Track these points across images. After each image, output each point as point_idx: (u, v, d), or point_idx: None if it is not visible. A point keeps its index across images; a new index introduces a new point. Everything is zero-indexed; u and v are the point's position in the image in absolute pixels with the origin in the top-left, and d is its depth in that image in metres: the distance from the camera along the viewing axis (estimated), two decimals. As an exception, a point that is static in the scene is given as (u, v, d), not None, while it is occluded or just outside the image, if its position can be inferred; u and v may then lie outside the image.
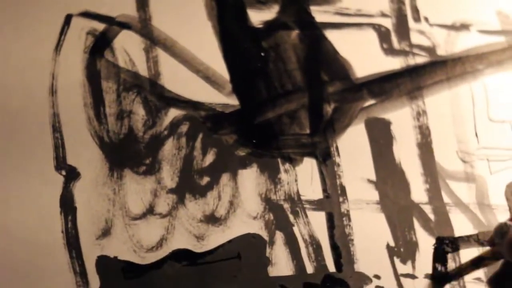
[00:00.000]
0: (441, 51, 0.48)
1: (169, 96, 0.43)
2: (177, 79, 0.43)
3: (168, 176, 0.42)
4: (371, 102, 0.47)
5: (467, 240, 0.47)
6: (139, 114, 0.42)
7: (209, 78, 0.43)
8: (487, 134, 0.49)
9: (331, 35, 0.46)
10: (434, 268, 0.46)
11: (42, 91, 0.42)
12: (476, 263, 0.42)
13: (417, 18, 0.48)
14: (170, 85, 0.43)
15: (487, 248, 0.43)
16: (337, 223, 0.44)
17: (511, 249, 0.37)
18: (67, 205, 0.40)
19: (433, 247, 0.46)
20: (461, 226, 0.47)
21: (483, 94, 0.49)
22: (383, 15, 0.47)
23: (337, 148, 0.45)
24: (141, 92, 0.42)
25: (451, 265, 0.46)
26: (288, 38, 0.45)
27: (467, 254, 0.47)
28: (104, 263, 0.39)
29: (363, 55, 0.46)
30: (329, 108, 0.46)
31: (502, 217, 0.48)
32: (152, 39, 0.42)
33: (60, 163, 0.41)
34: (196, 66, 0.43)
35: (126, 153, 0.41)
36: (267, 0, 0.44)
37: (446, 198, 0.48)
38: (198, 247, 0.42)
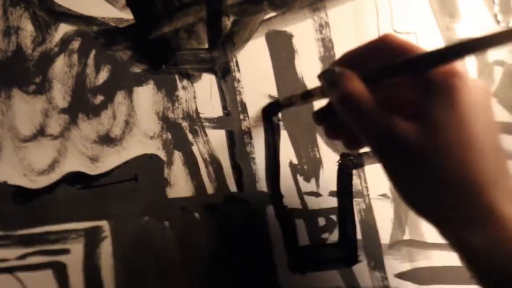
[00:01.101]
0: (345, -40, 0.64)
1: (59, 10, 0.55)
2: (65, -9, 0.55)
3: (60, 95, 0.55)
4: (272, 14, 0.62)
5: (368, 155, 0.64)
6: (27, 30, 0.55)
7: (98, -10, 0.57)
8: None
9: None
10: (339, 184, 0.63)
11: None
12: (305, 97, 0.53)
13: None
14: (59, -1, 0.56)
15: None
16: (237, 141, 0.60)
17: (339, 105, 0.43)
18: (-51, 128, 0.52)
19: (337, 163, 0.63)
20: (366, 142, 0.65)
21: (387, 5, 0.66)
22: None
23: (237, 63, 0.61)
24: (29, 7, 0.54)
25: (356, 181, 0.64)
26: None
27: (372, 170, 0.65)
28: (-8, 189, 0.52)
29: (262, -36, 0.61)
30: (228, 21, 0.61)
31: None
32: None
33: None
34: (84, -23, 0.56)
35: (14, 72, 0.53)
36: None
37: None
38: (93, 169, 0.56)
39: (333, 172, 0.61)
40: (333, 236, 0.60)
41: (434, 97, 0.42)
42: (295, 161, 0.60)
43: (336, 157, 0.62)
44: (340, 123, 0.49)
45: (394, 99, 0.46)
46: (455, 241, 0.44)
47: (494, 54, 0.68)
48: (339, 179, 0.61)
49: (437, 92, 0.42)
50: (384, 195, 0.62)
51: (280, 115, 0.60)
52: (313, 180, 0.60)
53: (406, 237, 0.63)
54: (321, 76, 0.49)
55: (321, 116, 0.53)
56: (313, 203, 0.60)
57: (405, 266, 0.62)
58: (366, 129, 0.43)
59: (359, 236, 0.61)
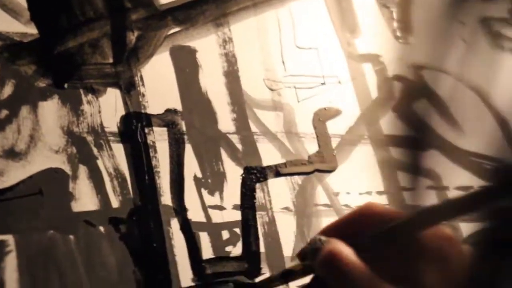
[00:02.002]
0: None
1: (-36, 26, 0.72)
2: (-32, 6, 0.72)
3: (-37, 109, 0.72)
4: (176, 29, 0.82)
5: (271, 169, 0.85)
6: None
7: (5, 5, 0.74)
8: (294, 61, 0.87)
9: (132, -39, 0.79)
10: (242, 198, 0.84)
11: None
12: (285, 276, 0.63)
13: None
14: (-39, 13, 0.72)
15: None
16: (144, 154, 0.79)
17: (324, 268, 0.51)
18: None
19: (240, 177, 0.84)
20: (269, 155, 0.85)
21: (289, 20, 0.88)
22: None
23: (141, 77, 0.80)
24: None
25: (260, 195, 0.84)
26: (86, -37, 0.77)
27: (276, 184, 0.86)
28: None
29: (165, -19, 0.81)
30: (132, 36, 0.80)
31: (309, 146, 0.87)
32: None
33: None
34: (-11, -8, 0.73)
35: None
36: None
37: (253, 128, 0.85)
38: (-2, 184, 0.73)
39: (236, 185, 0.81)
40: (237, 249, 0.80)
41: (426, 264, 0.49)
42: (199, 174, 0.80)
43: (240, 171, 0.82)
44: None
45: (379, 260, 0.51)
46: None
47: (393, 69, 0.91)
48: (243, 192, 0.82)
49: (430, 259, 0.49)
50: (286, 208, 0.83)
51: (184, 127, 0.80)
52: (217, 194, 0.80)
53: None
54: (300, 254, 0.58)
55: None
56: (217, 216, 0.80)
57: (308, 278, 0.83)
58: None
59: (262, 248, 0.81)
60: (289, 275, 0.61)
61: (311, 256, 0.53)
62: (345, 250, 0.51)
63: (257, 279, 0.76)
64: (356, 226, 0.54)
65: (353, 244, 0.51)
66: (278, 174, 0.79)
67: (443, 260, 0.49)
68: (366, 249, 0.51)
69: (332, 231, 0.55)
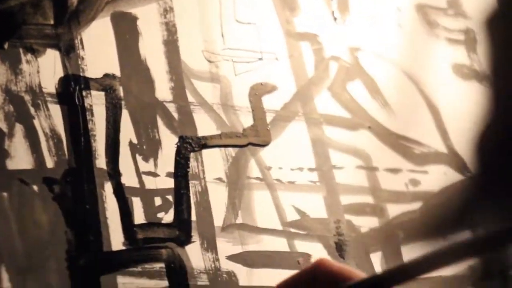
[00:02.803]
0: None
1: None
2: None
3: None
4: None
5: (209, 139, 0.92)
6: None
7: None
8: (233, 35, 0.94)
9: None
10: (176, 166, 0.90)
11: None
12: None
13: None
14: None
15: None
16: (80, 116, 0.85)
17: None
18: None
19: (175, 145, 0.90)
20: (204, 126, 0.92)
21: None
22: None
23: (81, 41, 0.86)
24: None
25: (194, 164, 0.91)
26: None
27: (210, 154, 0.92)
28: None
29: None
30: None
31: (245, 119, 0.94)
32: None
33: None
34: None
35: None
36: None
37: (190, 98, 0.92)
38: None
39: (171, 153, 0.88)
40: (169, 216, 0.87)
41: None
42: (134, 140, 0.86)
43: (175, 139, 0.89)
44: None
45: None
46: None
47: (330, 49, 0.99)
48: (177, 161, 0.88)
49: None
50: (219, 179, 0.90)
51: (121, 93, 0.86)
52: (151, 160, 0.86)
53: (239, 221, 0.90)
54: None
55: None
56: (150, 182, 0.86)
57: (237, 249, 0.90)
58: None
59: (193, 217, 0.88)
60: None
61: None
62: None
63: (187, 247, 0.82)
64: (309, 283, 0.55)
65: None
66: (212, 145, 0.85)
67: None
68: None
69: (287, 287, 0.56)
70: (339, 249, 0.86)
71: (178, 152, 0.83)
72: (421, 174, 0.96)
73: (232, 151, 0.84)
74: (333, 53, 0.93)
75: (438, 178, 0.95)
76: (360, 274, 0.51)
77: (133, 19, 0.82)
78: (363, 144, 0.94)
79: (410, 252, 0.91)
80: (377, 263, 0.89)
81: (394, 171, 0.94)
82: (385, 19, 0.97)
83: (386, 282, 0.49)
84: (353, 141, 0.93)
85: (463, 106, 1.00)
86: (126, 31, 0.81)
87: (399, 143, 0.95)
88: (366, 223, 0.91)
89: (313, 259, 0.83)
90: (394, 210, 0.92)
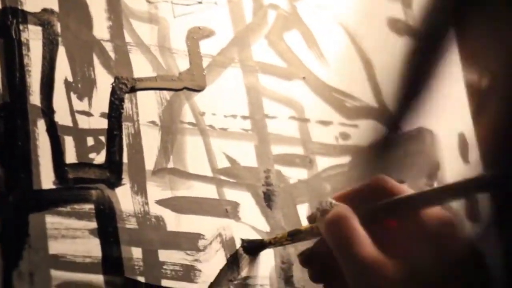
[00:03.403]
0: None
1: None
2: None
3: None
4: None
5: (145, 81, 0.95)
6: None
7: None
8: None
9: None
10: (111, 107, 0.93)
11: None
12: (292, 236, 0.77)
13: None
14: None
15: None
16: (16, 51, 0.86)
17: (329, 230, 0.60)
18: None
19: (111, 86, 0.93)
20: (141, 67, 0.95)
21: None
22: None
23: None
24: None
25: (128, 105, 0.94)
26: None
27: (144, 96, 0.95)
28: None
29: None
30: None
31: (181, 63, 0.98)
32: None
33: None
34: None
35: None
36: None
37: (128, 38, 0.95)
38: None
39: (106, 93, 0.91)
40: (100, 157, 0.90)
41: (425, 245, 0.57)
42: (70, 78, 0.88)
43: (111, 79, 0.91)
44: (327, 265, 0.65)
45: (380, 234, 0.60)
46: None
47: None
48: (111, 101, 0.91)
49: (429, 240, 0.57)
50: (153, 122, 0.93)
51: (59, 29, 0.88)
52: (86, 100, 0.89)
53: (170, 165, 0.94)
54: (310, 217, 0.71)
55: (307, 259, 0.70)
56: (84, 122, 0.89)
57: (166, 194, 0.94)
58: (351, 257, 0.58)
59: (125, 159, 0.91)
60: (296, 234, 0.74)
61: (319, 217, 0.63)
62: (351, 217, 0.61)
63: (117, 189, 0.86)
64: (366, 197, 0.63)
65: (359, 214, 0.61)
66: (147, 87, 0.89)
67: (439, 242, 0.57)
68: (370, 220, 0.61)
69: (343, 198, 0.64)
70: (267, 199, 0.91)
71: (113, 93, 0.85)
72: (352, 128, 1.01)
73: (167, 94, 0.87)
74: (271, 1, 0.96)
75: (368, 132, 1.01)
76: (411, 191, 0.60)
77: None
78: (296, 94, 0.98)
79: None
80: (304, 215, 0.94)
81: (325, 123, 0.99)
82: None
83: (436, 199, 0.59)
84: (287, 91, 0.97)
85: (396, 61, 1.05)
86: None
87: (332, 96, 1.00)
88: (295, 175, 0.95)
89: (241, 208, 0.87)
90: (323, 162, 0.97)
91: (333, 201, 0.64)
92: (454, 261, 0.58)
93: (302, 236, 0.73)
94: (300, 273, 0.91)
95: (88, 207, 0.81)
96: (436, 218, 0.59)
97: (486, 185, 0.55)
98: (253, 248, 0.89)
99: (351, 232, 0.60)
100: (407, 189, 0.62)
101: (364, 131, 0.99)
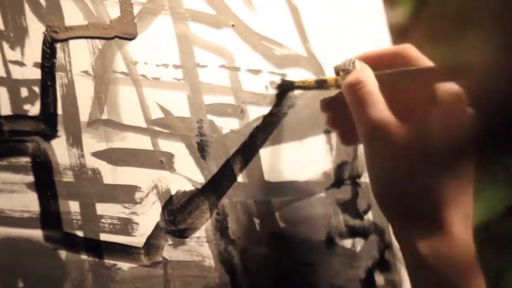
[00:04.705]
0: None
1: None
2: None
3: None
4: None
5: (77, 29, 0.98)
6: None
7: None
8: None
9: None
10: (43, 56, 0.95)
11: None
12: (318, 83, 0.91)
13: None
14: None
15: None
16: None
17: (349, 89, 0.75)
18: None
19: (43, 34, 0.95)
20: (72, 15, 0.97)
21: None
22: None
23: None
24: None
25: (60, 55, 0.96)
26: None
27: (77, 44, 0.98)
28: None
29: None
30: None
31: (112, 11, 1.01)
32: None
33: None
34: None
35: None
36: None
37: None
38: None
39: (38, 42, 0.93)
40: (35, 109, 0.93)
41: (435, 112, 0.70)
42: (1, 27, 0.91)
43: (42, 28, 0.93)
44: (342, 115, 0.81)
45: (396, 99, 0.74)
46: (407, 244, 0.76)
47: None
48: (44, 50, 0.94)
49: (440, 108, 0.71)
50: (86, 72, 0.97)
51: None
52: (18, 49, 0.92)
53: (105, 116, 0.98)
54: (337, 67, 0.83)
55: (327, 105, 0.88)
56: (17, 72, 0.91)
57: (102, 146, 0.97)
58: (365, 118, 0.72)
59: (60, 111, 0.94)
60: (322, 83, 0.89)
61: (342, 75, 0.78)
62: (369, 83, 0.74)
63: (53, 142, 0.89)
64: (390, 62, 0.77)
65: (379, 78, 0.74)
66: (79, 36, 0.92)
67: (448, 111, 0.71)
68: (389, 84, 0.74)
69: (368, 58, 0.78)
70: (201, 149, 0.96)
71: (45, 42, 0.88)
72: (280, 77, 1.06)
73: (99, 43, 0.90)
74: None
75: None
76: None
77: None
78: (226, 43, 1.02)
79: (266, 156, 1.01)
80: (237, 165, 0.99)
81: (255, 72, 1.04)
82: None
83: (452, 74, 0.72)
84: (217, 39, 1.01)
85: (324, 9, 1.11)
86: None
87: (261, 44, 1.05)
88: (227, 124, 1.00)
89: (176, 159, 0.91)
90: (254, 112, 1.02)
91: (356, 61, 0.77)
92: (460, 133, 0.70)
93: (327, 85, 0.87)
94: (234, 225, 0.96)
95: (25, 160, 0.83)
96: (450, 91, 0.71)
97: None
98: (283, 86, 1.01)
99: (367, 95, 0.73)
100: (429, 62, 0.75)
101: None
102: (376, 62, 0.75)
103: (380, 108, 0.71)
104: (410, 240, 0.70)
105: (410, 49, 0.75)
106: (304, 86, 0.93)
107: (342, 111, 0.80)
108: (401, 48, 0.76)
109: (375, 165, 0.72)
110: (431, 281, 0.68)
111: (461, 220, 0.69)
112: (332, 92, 0.90)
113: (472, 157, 0.71)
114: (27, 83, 0.86)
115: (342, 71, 0.76)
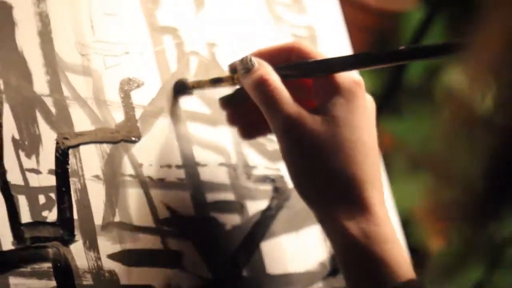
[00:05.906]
0: None
1: None
2: None
3: None
4: None
5: (86, 135, 1.04)
6: None
7: None
8: (102, 27, 1.08)
9: None
10: (57, 163, 1.01)
11: None
12: (214, 82, 0.93)
13: None
14: None
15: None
16: None
17: (255, 90, 0.80)
18: None
19: (55, 141, 1.02)
20: (81, 121, 1.03)
21: None
22: None
23: None
24: None
25: (72, 161, 1.03)
26: None
27: (87, 150, 1.05)
28: None
29: None
30: None
31: (116, 115, 1.08)
32: None
33: None
34: None
35: None
36: None
37: (66, 92, 1.04)
38: None
39: (51, 150, 0.99)
40: (53, 215, 0.98)
41: (340, 99, 0.77)
42: (17, 136, 0.97)
43: (54, 135, 1.00)
44: (241, 111, 0.91)
45: (298, 91, 0.81)
46: (335, 229, 0.82)
47: (190, 45, 1.15)
48: (57, 157, 1.00)
49: (343, 96, 0.77)
50: (97, 176, 1.03)
51: (2, 86, 0.96)
52: (33, 157, 0.98)
53: (117, 219, 1.04)
54: (232, 65, 0.90)
55: (226, 102, 0.93)
56: (34, 180, 0.97)
57: (116, 248, 1.03)
58: (277, 114, 0.78)
59: (76, 216, 1.00)
60: (217, 81, 0.92)
61: (242, 73, 0.82)
62: (274, 78, 0.79)
63: (71, 246, 0.95)
64: (283, 57, 0.83)
65: (279, 72, 0.80)
66: (88, 141, 0.98)
67: (355, 101, 0.78)
68: (290, 77, 0.81)
69: (262, 55, 0.83)
70: (208, 246, 1.02)
71: (58, 149, 0.94)
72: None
73: (106, 147, 0.96)
74: (192, 49, 1.08)
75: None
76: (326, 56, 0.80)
77: (8, 8, 0.92)
78: (223, 139, 1.10)
79: (267, 249, 1.08)
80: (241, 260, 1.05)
81: (251, 167, 1.11)
82: (238, 14, 1.15)
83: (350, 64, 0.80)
84: (215, 137, 1.08)
85: None
86: (2, 21, 0.91)
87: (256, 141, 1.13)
88: (229, 221, 1.06)
89: (184, 258, 0.97)
90: (253, 207, 1.09)
91: (253, 58, 0.81)
92: (365, 115, 0.80)
93: (223, 84, 0.91)
94: None
95: (46, 265, 0.89)
96: (349, 78, 0.79)
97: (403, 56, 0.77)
98: (179, 86, 1.02)
99: (275, 92, 0.79)
100: (322, 54, 0.81)
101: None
102: (271, 58, 0.82)
103: (290, 102, 0.78)
104: (338, 224, 0.78)
105: (301, 44, 0.82)
106: (200, 86, 0.95)
107: (240, 108, 0.91)
108: (293, 43, 0.83)
109: (292, 157, 0.79)
110: (361, 260, 0.76)
111: (379, 199, 0.78)
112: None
113: (376, 138, 0.81)
114: (44, 190, 0.91)
115: (242, 70, 0.81)
